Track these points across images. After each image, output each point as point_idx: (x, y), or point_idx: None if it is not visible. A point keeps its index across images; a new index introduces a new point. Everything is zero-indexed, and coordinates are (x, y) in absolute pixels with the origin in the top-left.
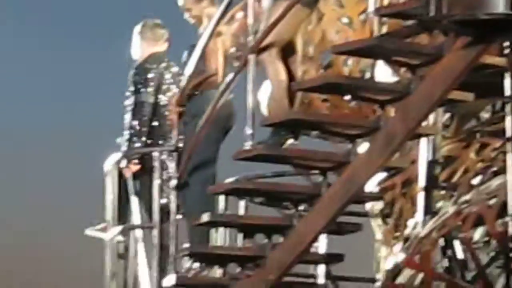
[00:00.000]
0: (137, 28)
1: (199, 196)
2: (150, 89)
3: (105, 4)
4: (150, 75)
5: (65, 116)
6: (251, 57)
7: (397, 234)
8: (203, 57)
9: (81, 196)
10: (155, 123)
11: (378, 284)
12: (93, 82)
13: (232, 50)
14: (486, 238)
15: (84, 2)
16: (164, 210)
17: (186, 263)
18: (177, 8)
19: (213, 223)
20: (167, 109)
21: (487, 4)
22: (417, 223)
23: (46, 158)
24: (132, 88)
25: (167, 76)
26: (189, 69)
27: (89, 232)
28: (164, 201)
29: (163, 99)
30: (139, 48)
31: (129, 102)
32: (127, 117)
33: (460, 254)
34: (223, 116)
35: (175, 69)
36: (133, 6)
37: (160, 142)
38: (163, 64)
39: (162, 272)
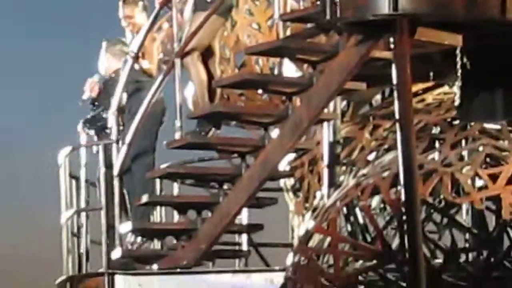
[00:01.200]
0: (104, 45)
1: (140, 180)
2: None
3: None
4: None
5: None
6: (177, 61)
7: (307, 205)
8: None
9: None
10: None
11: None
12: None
13: (160, 55)
14: (382, 205)
15: None
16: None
17: (130, 238)
18: None
19: (152, 203)
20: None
21: (374, 6)
22: (323, 195)
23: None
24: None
25: None
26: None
27: None
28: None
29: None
30: (107, 63)
31: (92, 112)
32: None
33: (360, 220)
34: (157, 111)
35: None
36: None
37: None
38: None
39: (111, 247)
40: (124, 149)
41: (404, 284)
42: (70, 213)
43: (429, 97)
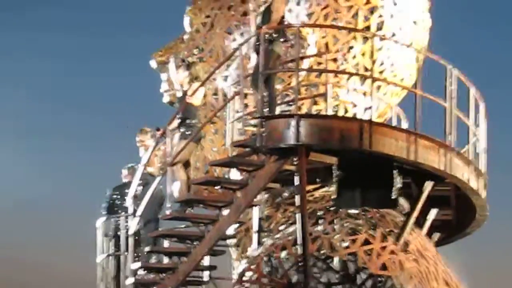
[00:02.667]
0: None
1: (146, 238)
2: None
3: None
4: None
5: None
6: (169, 168)
7: (243, 255)
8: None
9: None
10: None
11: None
12: None
13: (159, 165)
14: (287, 256)
15: None
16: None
17: (140, 271)
18: None
19: (151, 252)
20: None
21: (285, 138)
22: (253, 249)
23: None
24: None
25: None
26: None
27: None
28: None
29: None
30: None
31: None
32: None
33: (274, 264)
34: (157, 197)
35: None
36: None
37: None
38: None
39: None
40: (136, 219)
41: None
42: (103, 256)
43: (316, 193)
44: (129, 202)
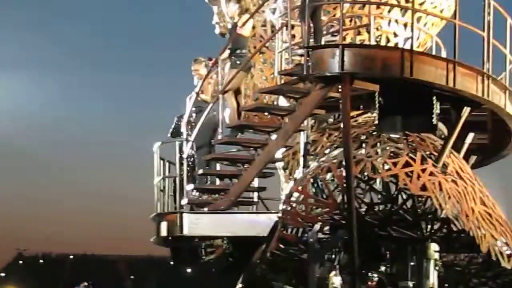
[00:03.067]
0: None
1: (200, 161)
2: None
3: None
4: None
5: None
6: (220, 96)
7: (291, 177)
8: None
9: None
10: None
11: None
12: None
13: (212, 92)
14: (332, 178)
15: None
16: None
17: (193, 193)
18: None
19: (204, 174)
20: None
21: (330, 67)
22: (300, 172)
23: None
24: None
25: None
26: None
27: None
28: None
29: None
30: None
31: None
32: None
33: (320, 186)
34: (210, 122)
35: None
36: None
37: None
38: None
39: (181, 198)
40: (189, 144)
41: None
42: (159, 178)
43: (360, 119)
44: (183, 128)
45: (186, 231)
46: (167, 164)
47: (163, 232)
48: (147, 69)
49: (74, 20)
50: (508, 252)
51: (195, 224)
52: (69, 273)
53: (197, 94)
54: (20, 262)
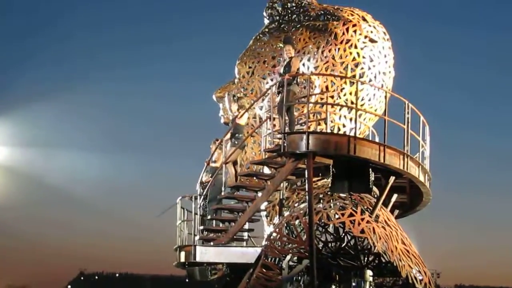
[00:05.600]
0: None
1: (210, 210)
2: None
3: None
4: None
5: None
6: (224, 165)
7: (271, 222)
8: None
9: None
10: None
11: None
12: None
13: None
14: (299, 223)
15: None
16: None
17: (203, 232)
18: None
19: (212, 219)
20: None
21: (299, 147)
22: (277, 219)
23: None
24: None
25: None
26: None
27: None
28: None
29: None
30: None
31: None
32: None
33: (291, 229)
34: (219, 183)
35: None
36: None
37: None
38: None
39: (195, 235)
40: (201, 200)
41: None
42: (179, 221)
43: (319, 183)
44: (197, 187)
45: (197, 258)
46: (186, 211)
47: (182, 258)
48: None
49: None
50: (420, 277)
51: (204, 254)
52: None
53: (208, 162)
54: (82, 278)
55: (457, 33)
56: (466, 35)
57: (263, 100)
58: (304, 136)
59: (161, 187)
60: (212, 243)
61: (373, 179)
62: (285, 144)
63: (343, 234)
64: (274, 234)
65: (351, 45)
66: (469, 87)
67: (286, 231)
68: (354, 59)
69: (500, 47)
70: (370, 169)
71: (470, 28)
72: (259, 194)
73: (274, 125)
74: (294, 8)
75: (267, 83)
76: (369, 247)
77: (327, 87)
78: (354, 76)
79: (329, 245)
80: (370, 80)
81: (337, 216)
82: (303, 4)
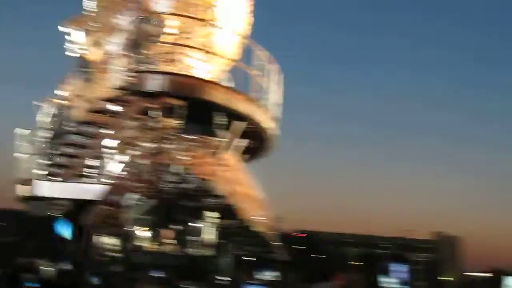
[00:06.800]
0: None
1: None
2: None
3: None
4: None
5: None
6: (71, 99)
7: (118, 160)
8: None
9: None
10: None
11: None
12: None
13: None
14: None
15: None
16: None
17: None
18: None
19: (55, 154)
20: None
21: (150, 85)
22: (125, 157)
23: None
24: None
25: None
26: None
27: None
28: None
29: None
30: None
31: None
32: None
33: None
34: (64, 116)
35: None
36: None
37: None
38: None
39: None
40: (43, 133)
41: None
42: (18, 154)
43: (169, 124)
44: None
45: (40, 193)
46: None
47: (23, 192)
48: None
49: None
50: (263, 221)
51: (47, 188)
52: None
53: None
54: None
55: None
56: None
57: (115, 36)
58: (158, 76)
59: None
60: (55, 178)
61: (220, 123)
62: (137, 83)
63: (188, 176)
64: (121, 172)
65: None
66: None
67: (133, 170)
68: (208, 2)
69: None
70: (221, 113)
71: None
72: (106, 131)
73: (127, 63)
74: None
75: (120, 19)
76: (212, 189)
77: (181, 29)
78: (207, 20)
79: (173, 185)
80: (224, 25)
81: (183, 158)
82: None
